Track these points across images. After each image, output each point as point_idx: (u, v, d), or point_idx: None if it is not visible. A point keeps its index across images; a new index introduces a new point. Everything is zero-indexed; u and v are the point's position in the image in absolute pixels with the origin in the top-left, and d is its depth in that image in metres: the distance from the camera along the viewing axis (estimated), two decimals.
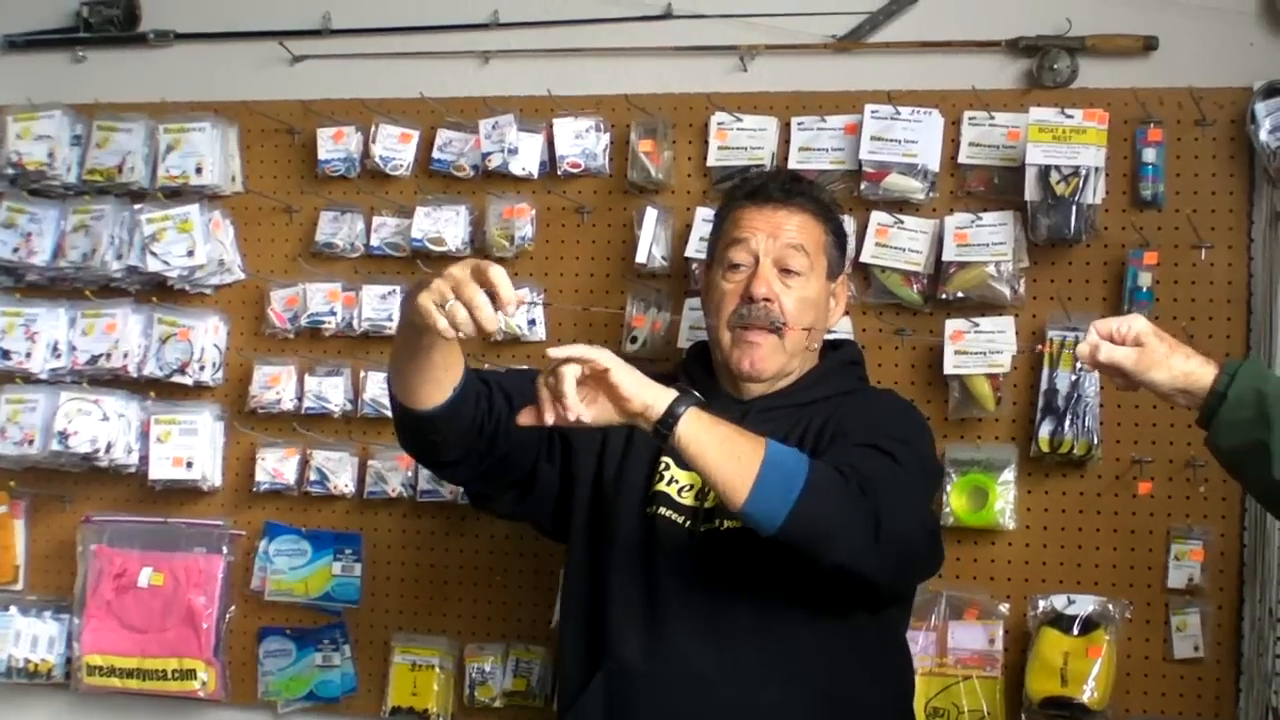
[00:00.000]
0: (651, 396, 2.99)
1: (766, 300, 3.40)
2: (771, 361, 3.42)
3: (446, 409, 3.17)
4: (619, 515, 3.41)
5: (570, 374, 2.95)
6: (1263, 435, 2.85)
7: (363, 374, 4.42)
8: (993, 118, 4.01)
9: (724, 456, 3.01)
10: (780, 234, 3.46)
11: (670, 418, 2.98)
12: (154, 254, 4.48)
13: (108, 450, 4.54)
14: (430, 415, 3.18)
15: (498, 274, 2.84)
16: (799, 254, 3.46)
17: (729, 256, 3.47)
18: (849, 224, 4.03)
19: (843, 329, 4.02)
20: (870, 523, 3.09)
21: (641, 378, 3.01)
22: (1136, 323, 2.99)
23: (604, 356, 2.96)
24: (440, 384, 3.15)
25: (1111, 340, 2.99)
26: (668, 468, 3.42)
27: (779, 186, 3.55)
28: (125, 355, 4.56)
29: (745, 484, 3.00)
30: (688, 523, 3.35)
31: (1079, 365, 3.15)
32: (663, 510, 3.37)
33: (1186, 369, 2.94)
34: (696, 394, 3.06)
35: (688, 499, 3.38)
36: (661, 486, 3.40)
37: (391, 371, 3.23)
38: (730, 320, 3.44)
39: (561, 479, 3.51)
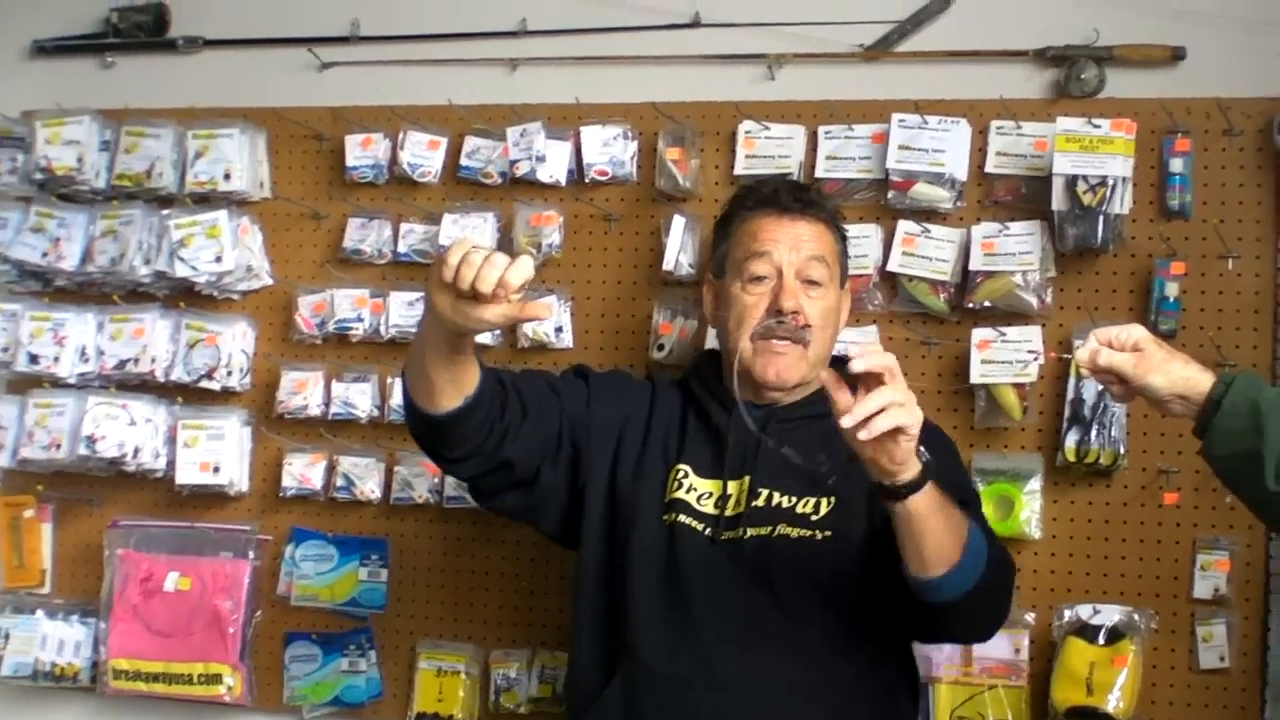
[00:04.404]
0: (911, 466, 2.96)
1: (795, 313, 3.39)
2: (796, 370, 3.42)
3: (456, 414, 3.20)
4: (637, 521, 3.43)
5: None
6: (1256, 444, 2.87)
7: (390, 380, 4.42)
8: (1020, 127, 4.01)
9: (943, 532, 3.03)
10: (801, 246, 3.46)
11: (911, 486, 2.96)
12: (182, 259, 4.49)
13: (135, 455, 4.55)
14: (440, 418, 3.21)
15: (523, 261, 2.85)
16: (820, 265, 3.46)
17: (750, 269, 3.46)
18: (876, 233, 4.07)
19: (869, 338, 4.04)
20: (1009, 604, 3.34)
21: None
22: (1135, 330, 3.03)
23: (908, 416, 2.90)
24: (450, 393, 3.17)
25: (1110, 347, 3.01)
26: (686, 475, 3.44)
27: (791, 196, 3.55)
28: (153, 360, 4.57)
29: (949, 561, 3.04)
30: (708, 530, 3.37)
31: (1079, 370, 3.18)
32: (682, 518, 3.39)
33: (1185, 374, 2.98)
34: (934, 463, 3.03)
35: (707, 507, 3.40)
36: (680, 494, 3.42)
37: (408, 370, 3.26)
38: (756, 332, 3.41)
39: (570, 484, 3.51)
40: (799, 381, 3.44)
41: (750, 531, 3.34)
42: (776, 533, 3.34)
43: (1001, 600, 3.32)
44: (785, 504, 3.37)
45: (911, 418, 2.86)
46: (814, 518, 3.36)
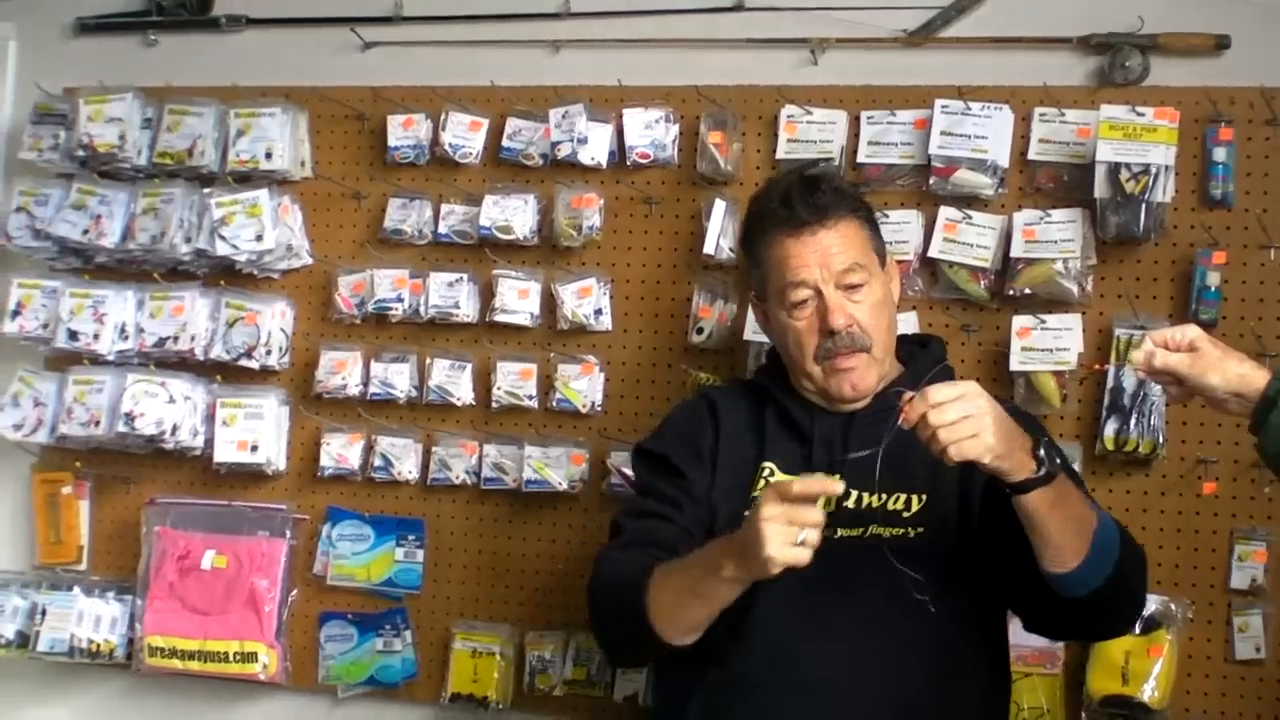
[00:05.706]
0: (1021, 461, 2.94)
1: (847, 328, 3.35)
2: (870, 377, 3.38)
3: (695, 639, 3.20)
4: (715, 522, 3.38)
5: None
6: None
7: (428, 361, 4.44)
8: (1063, 114, 4.00)
9: (1070, 524, 3.01)
10: (831, 260, 3.38)
11: (1024, 486, 2.95)
12: (223, 238, 4.50)
13: (173, 433, 4.57)
14: (678, 644, 3.19)
15: (801, 485, 2.90)
16: (856, 270, 3.39)
17: (790, 297, 3.40)
18: (918, 219, 4.06)
19: (909, 324, 4.02)
20: (1144, 596, 3.29)
21: (1011, 439, 2.94)
22: (1190, 330, 3.00)
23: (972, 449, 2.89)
24: (706, 623, 3.16)
25: (1166, 348, 2.99)
26: (772, 473, 3.40)
27: (806, 206, 3.42)
28: (192, 338, 4.59)
29: (1079, 554, 3.02)
30: None
31: (1136, 372, 3.16)
32: None
33: (1240, 371, 2.95)
34: (1059, 454, 3.01)
35: None
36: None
37: (660, 602, 3.16)
38: (817, 355, 3.38)
39: None
40: (876, 384, 3.40)
41: (841, 532, 3.27)
42: (869, 533, 3.30)
43: (1136, 592, 3.26)
44: (876, 503, 3.32)
45: (975, 450, 2.87)
46: (905, 514, 3.31)
